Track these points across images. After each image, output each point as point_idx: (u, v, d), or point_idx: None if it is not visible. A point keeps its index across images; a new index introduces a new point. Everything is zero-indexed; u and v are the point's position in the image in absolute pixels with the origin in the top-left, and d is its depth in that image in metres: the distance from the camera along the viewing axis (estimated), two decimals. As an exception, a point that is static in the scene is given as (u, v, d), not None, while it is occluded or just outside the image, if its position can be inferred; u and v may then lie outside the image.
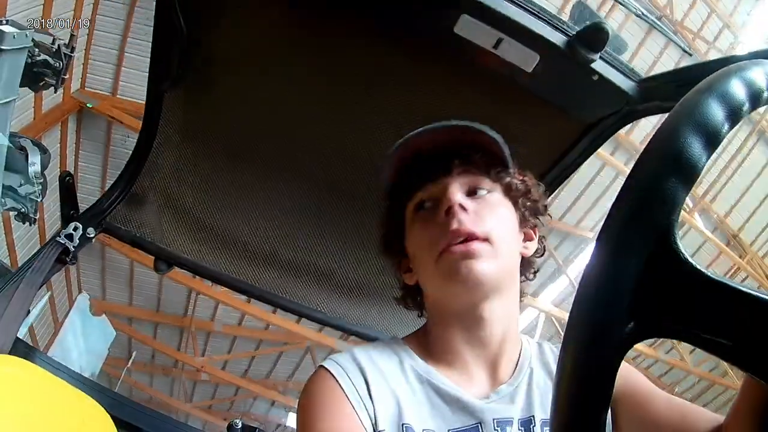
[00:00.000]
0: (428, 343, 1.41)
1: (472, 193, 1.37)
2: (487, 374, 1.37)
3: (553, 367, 1.42)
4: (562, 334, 1.55)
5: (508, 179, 1.42)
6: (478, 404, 1.29)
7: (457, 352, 1.37)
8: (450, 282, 1.30)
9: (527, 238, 1.48)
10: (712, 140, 0.60)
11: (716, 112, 0.61)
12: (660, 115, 2.05)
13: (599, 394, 0.61)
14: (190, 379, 17.57)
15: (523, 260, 1.47)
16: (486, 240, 1.29)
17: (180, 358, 16.05)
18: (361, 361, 1.33)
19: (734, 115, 0.62)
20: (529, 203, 1.47)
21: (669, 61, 12.01)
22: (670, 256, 0.59)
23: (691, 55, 3.07)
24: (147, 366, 17.26)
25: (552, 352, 1.49)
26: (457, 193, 1.33)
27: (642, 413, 1.30)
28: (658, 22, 2.18)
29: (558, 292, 14.52)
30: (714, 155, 0.62)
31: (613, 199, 0.63)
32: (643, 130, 12.60)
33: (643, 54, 11.70)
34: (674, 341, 14.18)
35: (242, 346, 16.70)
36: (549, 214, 1.57)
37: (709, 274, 0.58)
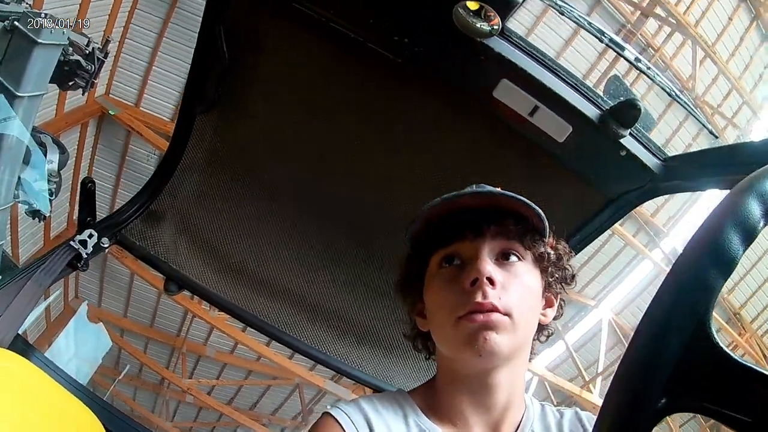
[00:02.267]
0: (433, 401, 1.41)
1: (503, 256, 1.35)
2: None
3: (554, 430, 1.43)
4: (553, 398, 1.57)
5: (541, 248, 1.40)
6: None
7: (461, 413, 1.36)
8: (465, 349, 1.29)
9: (548, 305, 1.47)
10: (750, 236, 0.65)
11: (755, 210, 0.66)
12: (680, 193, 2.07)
13: None
14: (174, 398, 17.44)
15: (539, 325, 1.45)
16: (507, 314, 1.27)
17: (167, 377, 15.95)
18: (368, 411, 1.33)
19: None
20: (558, 273, 1.46)
21: (686, 135, 12.07)
22: (705, 341, 0.64)
23: (716, 137, 3.10)
24: (133, 379, 17.14)
25: (554, 416, 1.48)
26: (487, 263, 1.30)
27: None
28: (691, 106, 2.21)
29: (553, 357, 14.45)
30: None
31: (659, 284, 0.67)
32: (654, 203, 12.62)
33: (661, 125, 11.75)
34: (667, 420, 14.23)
35: (231, 374, 16.61)
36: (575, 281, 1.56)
37: (737, 359, 0.63)
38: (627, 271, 13.65)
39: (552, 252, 1.43)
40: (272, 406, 18.14)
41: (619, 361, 0.68)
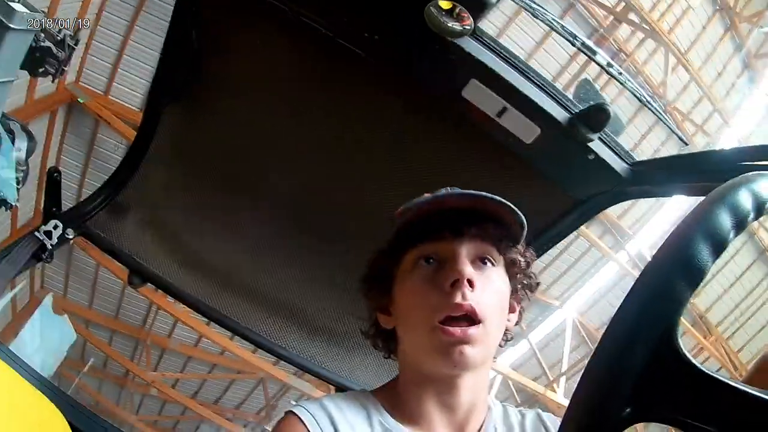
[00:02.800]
0: (397, 400, 1.40)
1: (479, 260, 1.34)
2: None
3: (516, 430, 1.44)
4: (517, 397, 1.57)
5: (513, 254, 1.40)
6: None
7: (425, 414, 1.36)
8: (438, 359, 1.29)
9: (511, 310, 1.44)
10: (719, 248, 0.65)
11: (726, 222, 0.66)
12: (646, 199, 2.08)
13: None
14: (139, 391, 17.36)
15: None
16: (481, 323, 1.26)
17: (132, 369, 15.86)
18: (331, 410, 1.32)
19: (740, 225, 0.66)
20: (525, 280, 1.45)
21: (656, 139, 12.18)
22: (671, 350, 0.64)
23: (686, 144, 3.13)
24: (98, 371, 17.02)
25: (516, 416, 1.48)
26: (467, 264, 1.29)
27: None
28: (661, 112, 2.22)
29: (517, 356, 14.54)
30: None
31: (625, 292, 0.67)
32: (620, 206, 12.72)
33: (630, 131, 11.84)
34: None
35: (195, 367, 16.54)
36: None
37: (703, 369, 0.63)
38: (592, 272, 13.76)
39: (522, 259, 1.42)
40: (236, 401, 18.10)
41: (583, 364, 0.68)
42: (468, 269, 1.27)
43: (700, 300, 14.54)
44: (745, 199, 0.68)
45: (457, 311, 1.25)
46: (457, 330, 1.24)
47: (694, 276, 0.63)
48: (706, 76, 12.26)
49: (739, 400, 0.62)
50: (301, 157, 2.42)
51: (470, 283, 1.26)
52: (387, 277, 1.44)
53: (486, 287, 1.30)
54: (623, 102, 11.13)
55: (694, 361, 0.64)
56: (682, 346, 0.64)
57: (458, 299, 1.25)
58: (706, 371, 0.63)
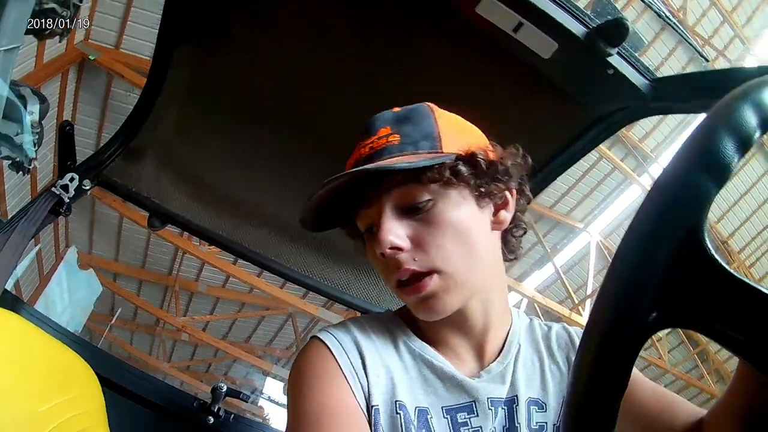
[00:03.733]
0: (416, 322, 1.39)
1: (410, 210, 1.25)
2: (473, 355, 1.37)
3: (542, 345, 1.45)
4: (542, 320, 1.55)
5: (445, 174, 1.24)
6: (472, 382, 1.29)
7: (444, 336, 1.36)
8: (415, 313, 1.30)
9: (499, 207, 1.36)
10: (745, 144, 0.62)
11: (750, 117, 0.62)
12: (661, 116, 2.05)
13: (618, 378, 0.63)
14: (170, 338, 17.65)
15: (504, 234, 1.42)
16: (434, 272, 1.23)
17: (162, 317, 16.12)
18: (357, 334, 1.31)
19: (765, 123, 0.63)
20: (484, 178, 1.29)
21: (676, 64, 12.03)
22: (697, 250, 0.61)
23: (707, 60, 3.07)
24: (128, 323, 17.32)
25: (541, 329, 1.49)
26: (388, 229, 1.22)
27: (626, 398, 1.30)
28: (679, 25, 2.17)
29: (543, 279, 14.66)
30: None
31: (647, 190, 0.65)
32: (642, 128, 12.64)
33: (651, 53, 11.71)
34: (654, 338, 14.48)
35: (224, 308, 16.78)
36: (527, 165, 1.41)
37: (732, 272, 0.61)
38: (615, 195, 13.75)
39: (463, 167, 1.26)
40: (266, 338, 18.42)
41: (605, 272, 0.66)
42: (388, 237, 1.21)
43: (722, 226, 14.51)
44: None
45: (401, 277, 1.23)
46: (409, 289, 1.24)
47: (720, 171, 0.60)
48: (726, 2, 12.05)
49: None
50: (316, 85, 2.38)
51: (396, 248, 1.22)
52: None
53: (424, 233, 1.24)
54: (642, 27, 10.99)
55: (723, 264, 0.61)
56: (710, 248, 0.61)
57: (392, 270, 1.24)
58: (737, 275, 0.60)
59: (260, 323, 17.62)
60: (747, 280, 0.60)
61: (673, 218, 0.61)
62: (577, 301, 13.96)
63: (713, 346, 16.01)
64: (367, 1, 2.07)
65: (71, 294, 10.31)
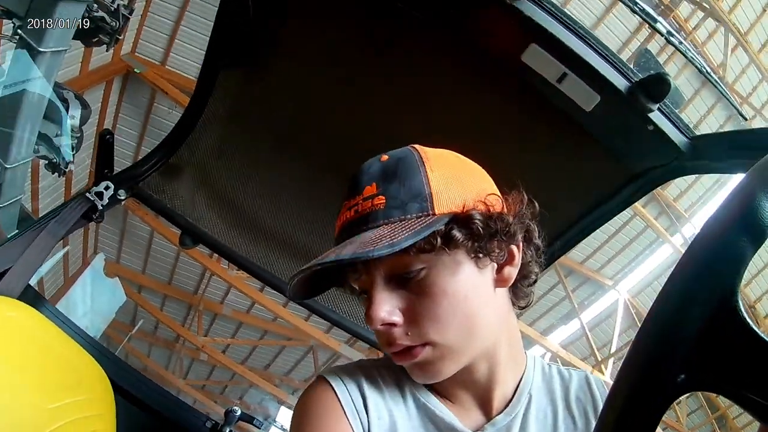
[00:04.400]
0: None
1: (402, 280, 1.18)
2: (478, 407, 1.34)
3: (557, 395, 1.37)
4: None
5: (433, 243, 1.14)
6: None
7: (448, 387, 1.33)
8: (413, 377, 1.27)
9: (504, 264, 1.26)
10: None
11: None
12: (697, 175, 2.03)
13: None
14: (188, 356, 17.67)
15: (512, 286, 1.32)
16: (427, 344, 1.18)
17: (183, 334, 16.14)
18: (363, 377, 1.31)
19: None
20: (483, 238, 1.19)
21: (713, 122, 11.98)
22: (731, 314, 0.60)
23: (745, 119, 3.06)
24: (148, 336, 17.39)
25: (560, 378, 1.42)
26: (380, 306, 1.16)
27: None
28: (719, 82, 2.17)
29: (568, 334, 14.53)
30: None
31: (683, 251, 0.64)
32: (677, 187, 12.57)
33: (689, 110, 11.67)
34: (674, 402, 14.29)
35: (246, 333, 16.79)
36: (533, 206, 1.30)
37: (766, 338, 0.59)
38: (646, 254, 13.64)
39: (458, 231, 1.16)
40: (286, 368, 18.36)
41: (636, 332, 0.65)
42: (380, 314, 1.15)
43: (750, 289, 14.33)
44: None
45: (393, 350, 1.20)
46: (402, 359, 1.21)
47: (758, 233, 0.59)
48: (766, 59, 12.00)
49: None
50: (357, 121, 2.40)
51: (390, 324, 1.17)
52: None
53: (417, 306, 1.17)
54: (682, 83, 10.97)
55: (756, 329, 0.59)
56: (743, 311, 0.59)
57: (386, 344, 1.20)
58: None
59: (281, 352, 17.61)
60: None
61: (709, 280, 0.60)
62: (600, 359, 13.80)
63: (732, 412, 15.76)
64: (409, 40, 2.09)
65: (94, 299, 10.39)
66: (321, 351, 16.39)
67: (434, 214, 1.15)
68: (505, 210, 1.23)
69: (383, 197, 1.18)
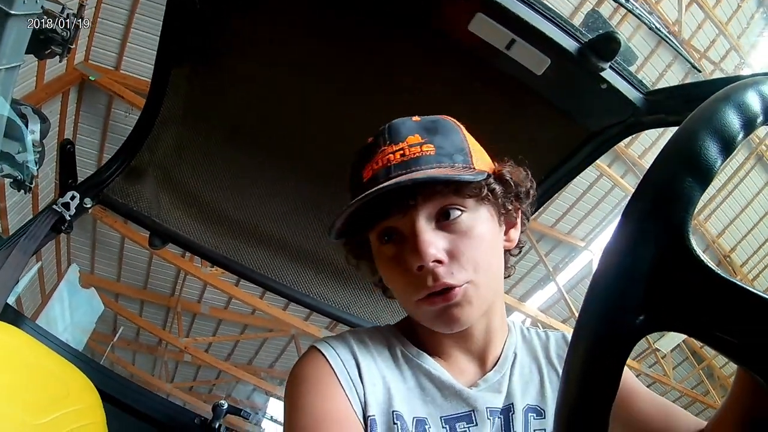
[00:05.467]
0: (417, 333, 1.40)
1: (443, 216, 1.24)
2: (474, 364, 1.38)
3: (539, 353, 1.45)
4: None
5: (482, 191, 1.26)
6: (470, 391, 1.29)
7: (444, 347, 1.37)
8: (433, 325, 1.28)
9: (510, 227, 1.40)
10: (728, 146, 0.62)
11: (733, 120, 0.63)
12: (662, 130, 2.05)
13: (608, 381, 0.63)
14: (172, 359, 17.60)
15: (505, 253, 1.41)
16: (467, 283, 1.22)
17: (164, 338, 16.06)
18: (353, 343, 1.32)
19: (749, 125, 0.64)
20: (511, 197, 1.35)
21: (673, 78, 12.06)
22: (683, 251, 0.61)
23: (699, 71, 3.09)
24: (131, 343, 17.27)
25: (538, 339, 1.50)
26: (428, 242, 1.20)
27: (626, 408, 1.32)
28: (671, 37, 2.19)
29: (545, 298, 14.62)
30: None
31: (630, 195, 0.65)
32: (641, 144, 12.66)
33: (647, 69, 11.75)
34: (659, 356, 14.44)
35: (227, 329, 16.74)
36: (533, 195, 1.44)
37: (720, 273, 0.60)
38: (616, 212, 13.73)
39: (497, 184, 1.30)
40: (269, 360, 18.35)
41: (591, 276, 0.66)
42: (431, 250, 1.19)
43: (725, 239, 14.52)
44: (752, 99, 0.65)
45: (435, 289, 1.21)
46: (438, 299, 1.21)
47: (703, 173, 0.61)
48: (721, 14, 12.11)
49: (761, 308, 0.59)
50: (310, 105, 2.41)
51: (438, 261, 1.20)
52: (367, 258, 1.40)
53: (460, 246, 1.23)
54: (638, 41, 11.04)
55: (710, 264, 0.61)
56: (696, 249, 0.61)
57: (430, 282, 1.20)
58: (725, 276, 0.60)
59: (263, 345, 17.57)
60: (735, 281, 0.60)
61: (657, 219, 0.61)
62: (580, 319, 13.90)
63: (718, 361, 15.96)
64: (357, 23, 2.09)
65: (72, 312, 10.31)
66: (303, 339, 16.37)
67: (476, 169, 1.26)
68: (522, 180, 1.38)
69: (431, 145, 1.26)
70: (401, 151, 1.26)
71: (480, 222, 1.27)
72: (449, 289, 1.21)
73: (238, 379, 17.32)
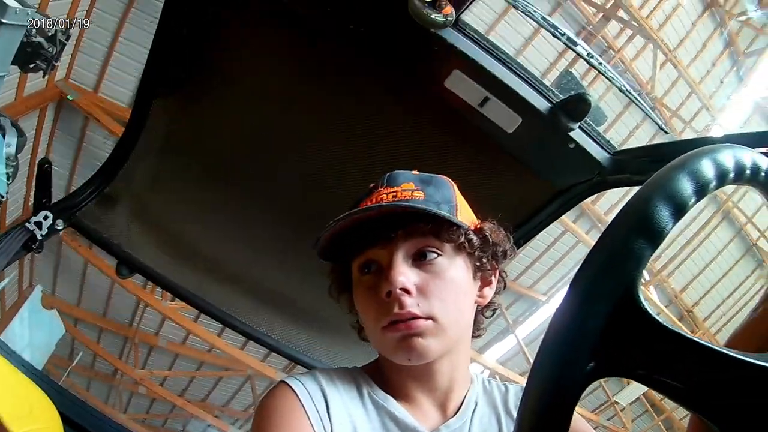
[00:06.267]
0: (383, 376, 1.43)
1: (419, 256, 1.31)
2: (437, 410, 1.40)
3: (498, 404, 1.47)
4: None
5: (460, 238, 1.33)
6: None
7: (408, 390, 1.39)
8: (394, 355, 1.31)
9: (484, 284, 1.45)
10: (679, 210, 0.67)
11: (685, 186, 0.68)
12: (628, 188, 2.10)
13: (560, 422, 0.67)
14: (127, 389, 17.31)
15: (478, 308, 1.46)
16: (430, 318, 1.27)
17: (120, 368, 15.79)
18: (322, 381, 1.34)
19: (701, 191, 0.69)
20: (487, 253, 1.40)
21: (644, 135, 12.23)
22: (632, 306, 0.66)
23: (667, 133, 3.17)
24: (86, 370, 16.98)
25: (498, 390, 1.52)
26: (400, 271, 1.27)
27: None
28: (640, 100, 2.25)
29: (504, 351, 14.59)
30: (676, 231, 0.68)
31: (586, 254, 0.69)
32: (608, 201, 12.78)
33: (618, 127, 11.91)
34: (617, 408, 14.43)
35: (183, 365, 16.52)
36: (513, 252, 1.50)
37: (666, 324, 0.66)
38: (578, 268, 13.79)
39: (475, 237, 1.37)
40: (224, 398, 18.08)
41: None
42: (400, 278, 1.26)
43: (688, 295, 14.66)
44: (705, 166, 0.70)
45: (400, 317, 1.26)
46: (401, 325, 1.26)
47: (654, 235, 0.66)
48: (695, 73, 12.34)
49: (703, 354, 0.65)
50: (286, 147, 2.44)
51: (405, 290, 1.26)
52: (346, 287, 1.45)
53: (430, 284, 1.30)
54: (611, 99, 11.20)
55: (656, 317, 0.66)
56: (644, 303, 0.66)
57: (396, 309, 1.25)
58: (670, 326, 0.66)
59: (218, 383, 17.31)
60: (680, 331, 0.65)
61: (610, 279, 0.66)
62: (539, 374, 13.87)
63: (678, 413, 15.99)
64: (338, 67, 2.15)
65: (32, 333, 10.17)
66: (258, 380, 16.20)
67: (459, 221, 1.33)
68: (501, 240, 1.44)
69: (422, 192, 1.35)
70: (394, 193, 1.36)
71: (454, 268, 1.33)
72: (413, 318, 1.25)
73: (193, 415, 17.07)
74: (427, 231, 1.31)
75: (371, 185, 1.44)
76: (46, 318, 10.92)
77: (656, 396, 15.62)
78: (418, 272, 1.30)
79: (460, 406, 1.41)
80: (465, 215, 1.39)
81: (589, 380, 0.67)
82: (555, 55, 11.24)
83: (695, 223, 13.38)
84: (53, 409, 2.13)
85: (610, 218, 12.58)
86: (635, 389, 14.02)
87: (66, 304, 14.48)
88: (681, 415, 15.97)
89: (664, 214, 0.67)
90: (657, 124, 2.54)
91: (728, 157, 0.73)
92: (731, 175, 0.73)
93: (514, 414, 1.45)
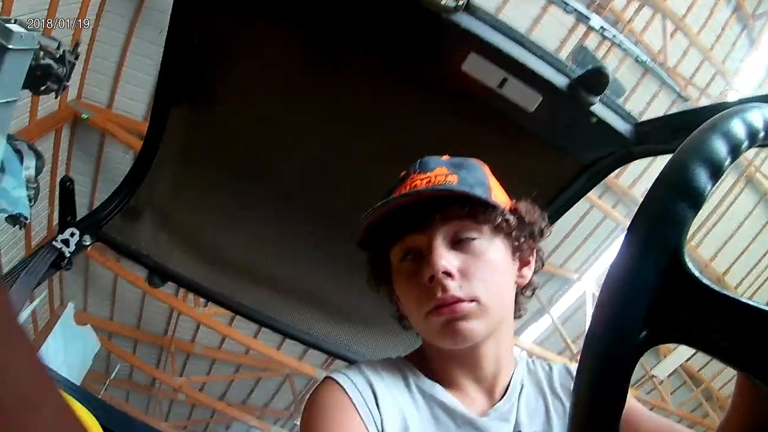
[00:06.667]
0: (429, 365, 1.43)
1: (457, 241, 1.32)
2: (483, 395, 1.40)
3: (544, 384, 1.48)
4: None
5: (497, 219, 1.34)
6: (482, 420, 1.32)
7: (454, 377, 1.39)
8: (440, 339, 1.31)
9: (523, 264, 1.46)
10: (716, 172, 0.68)
11: (720, 147, 0.69)
12: (650, 159, 2.08)
13: (616, 394, 0.67)
14: (166, 398, 17.42)
15: (518, 289, 1.46)
16: (474, 300, 1.27)
17: (158, 377, 15.92)
18: (369, 374, 1.34)
19: (735, 151, 0.69)
20: (524, 233, 1.42)
21: (660, 106, 12.13)
22: (680, 271, 0.66)
23: (686, 100, 3.14)
24: (124, 382, 17.11)
25: (543, 370, 1.53)
26: (441, 255, 1.28)
27: (629, 428, 1.33)
28: (656, 67, 2.24)
29: (540, 332, 14.55)
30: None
31: (629, 222, 0.70)
32: (631, 175, 12.70)
33: (634, 99, 11.82)
34: (656, 381, 14.36)
35: (221, 369, 16.60)
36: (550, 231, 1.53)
37: (714, 287, 0.66)
38: (607, 243, 13.72)
39: (512, 217, 1.38)
40: (264, 399, 18.14)
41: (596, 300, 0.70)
42: (441, 261, 1.26)
43: (717, 263, 14.56)
44: (737, 127, 0.71)
45: (444, 301, 1.26)
46: (445, 309, 1.26)
47: (695, 198, 0.66)
48: (705, 40, 12.22)
49: (750, 314, 0.64)
50: (307, 145, 2.45)
51: (448, 274, 1.26)
52: (386, 276, 1.45)
53: (471, 266, 1.30)
54: (625, 72, 11.12)
55: (705, 281, 0.66)
56: (691, 268, 0.66)
57: (439, 294, 1.26)
58: (718, 289, 0.65)
59: (258, 384, 17.39)
60: (726, 292, 0.65)
61: (656, 246, 0.66)
62: (575, 351, 13.83)
63: (716, 383, 15.91)
64: (354, 65, 2.15)
65: (67, 350, 10.25)
66: (297, 378, 16.26)
67: (494, 202, 1.34)
68: (537, 220, 1.46)
69: (456, 176, 1.35)
70: (428, 179, 1.35)
71: (493, 249, 1.34)
72: (456, 301, 1.25)
73: (233, 419, 17.16)
74: (464, 214, 1.31)
75: (402, 173, 1.44)
76: (80, 334, 10.99)
77: (694, 367, 15.55)
78: (458, 255, 1.31)
79: (507, 389, 1.41)
80: (499, 196, 1.40)
81: (644, 349, 0.67)
82: (564, 33, 11.16)
83: (719, 192, 13.28)
84: (97, 425, 2.14)
85: (634, 191, 12.65)
86: (672, 362, 13.94)
87: (99, 319, 14.60)
88: (719, 384, 15.90)
89: (702, 176, 0.67)
90: (675, 90, 2.53)
91: (757, 116, 0.73)
92: (761, 134, 0.73)
93: (560, 393, 1.46)
